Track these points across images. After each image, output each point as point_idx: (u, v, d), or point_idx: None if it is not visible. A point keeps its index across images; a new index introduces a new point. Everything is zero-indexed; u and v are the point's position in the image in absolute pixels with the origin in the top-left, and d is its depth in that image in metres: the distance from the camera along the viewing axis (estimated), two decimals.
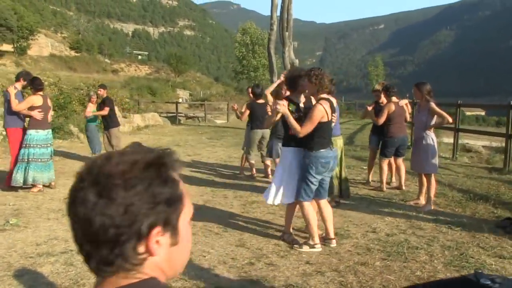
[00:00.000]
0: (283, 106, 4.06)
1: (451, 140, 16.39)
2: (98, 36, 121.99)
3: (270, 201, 4.30)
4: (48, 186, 6.57)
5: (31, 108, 6.28)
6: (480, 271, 1.19)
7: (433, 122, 5.59)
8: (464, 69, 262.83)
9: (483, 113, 63.62)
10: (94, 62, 62.12)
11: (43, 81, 6.48)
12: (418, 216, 5.24)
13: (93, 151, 9.17)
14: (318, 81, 4.11)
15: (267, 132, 7.35)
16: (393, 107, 6.46)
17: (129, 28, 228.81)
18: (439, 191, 6.55)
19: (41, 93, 6.44)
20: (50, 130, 6.60)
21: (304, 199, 4.08)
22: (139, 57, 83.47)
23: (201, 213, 5.39)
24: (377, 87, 7.41)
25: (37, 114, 6.25)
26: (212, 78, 47.51)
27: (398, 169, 6.86)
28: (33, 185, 6.33)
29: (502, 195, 6.33)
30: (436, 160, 5.70)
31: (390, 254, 3.98)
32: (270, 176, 7.33)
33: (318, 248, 4.10)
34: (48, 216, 5.15)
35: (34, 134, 6.32)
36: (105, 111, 8.51)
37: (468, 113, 70.37)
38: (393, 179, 7.22)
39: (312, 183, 4.05)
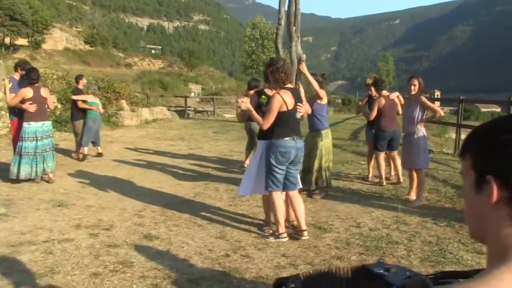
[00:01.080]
0: (244, 103, 4.08)
1: (462, 136, 16.25)
2: (113, 30, 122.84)
3: (241, 192, 4.42)
4: (46, 179, 6.57)
5: (23, 100, 6.35)
6: (381, 260, 1.19)
7: (424, 116, 5.55)
8: (481, 65, 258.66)
9: (498, 110, 62.63)
10: (107, 56, 62.61)
11: (38, 73, 6.51)
12: (406, 211, 5.20)
13: (84, 145, 8.99)
14: (273, 74, 4.17)
15: (254, 125, 7.38)
16: (383, 101, 6.43)
17: (144, 22, 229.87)
18: (432, 186, 6.51)
19: (36, 85, 6.50)
20: (46, 122, 6.54)
21: (272, 188, 4.11)
22: (153, 51, 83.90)
23: (189, 205, 5.45)
24: (369, 81, 7.40)
25: (28, 107, 6.30)
26: (226, 73, 47.60)
27: (393, 162, 6.82)
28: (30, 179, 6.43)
29: None
30: (427, 155, 5.66)
31: (369, 249, 3.97)
32: None
33: (284, 237, 4.17)
34: (39, 206, 5.24)
35: (26, 126, 6.38)
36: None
37: (483, 110, 69.30)
38: (392, 173, 7.18)
39: (275, 172, 4.07)
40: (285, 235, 4.18)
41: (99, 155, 9.20)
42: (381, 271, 1.08)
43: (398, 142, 6.77)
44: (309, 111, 4.98)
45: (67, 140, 11.73)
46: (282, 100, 4.04)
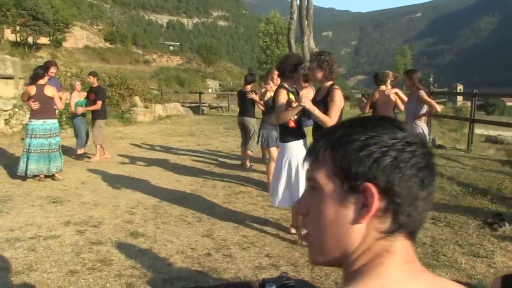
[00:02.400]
0: (309, 100, 3.71)
1: (484, 132, 15.81)
2: (133, 28, 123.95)
3: (280, 204, 4.04)
4: (52, 177, 6.55)
5: (28, 98, 6.40)
6: (284, 274, 1.08)
7: (423, 111, 5.37)
8: (507, 58, 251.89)
9: None
10: (126, 53, 63.23)
11: (39, 72, 6.52)
12: None
13: (78, 146, 8.60)
14: (328, 66, 3.81)
15: (246, 119, 7.29)
16: (376, 95, 6.28)
17: (163, 19, 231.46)
18: (438, 184, 6.29)
19: (41, 81, 6.52)
20: (49, 120, 6.48)
21: None
22: (171, 48, 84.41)
23: (183, 202, 5.38)
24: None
25: (31, 104, 6.36)
26: (245, 68, 47.59)
27: None
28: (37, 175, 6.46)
29: (504, 190, 6.00)
30: None
31: None
32: (248, 165, 7.58)
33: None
34: (34, 203, 5.26)
35: (29, 124, 6.45)
36: (98, 106, 8.18)
37: (509, 104, 67.47)
38: None
39: None
40: None
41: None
42: (273, 287, 0.98)
43: None
44: None
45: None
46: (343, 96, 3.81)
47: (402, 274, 0.64)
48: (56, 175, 6.54)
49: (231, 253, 3.73)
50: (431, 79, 20.57)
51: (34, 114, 6.41)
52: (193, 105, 26.22)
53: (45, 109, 6.44)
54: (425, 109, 5.38)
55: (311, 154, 0.72)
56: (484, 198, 5.52)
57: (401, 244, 0.66)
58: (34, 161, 6.37)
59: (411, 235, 0.67)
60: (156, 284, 3.12)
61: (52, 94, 6.47)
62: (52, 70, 7.47)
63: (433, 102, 5.35)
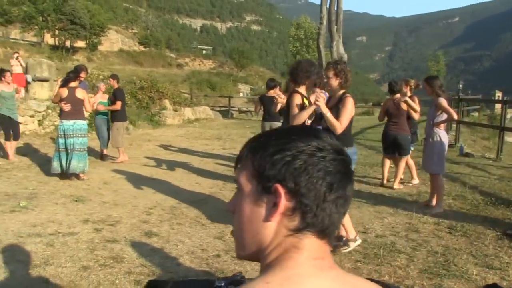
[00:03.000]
0: (320, 98, 3.68)
1: (507, 139, 15.29)
2: (167, 31, 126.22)
3: None
4: (76, 176, 6.75)
5: (60, 100, 6.70)
6: (238, 274, 1.12)
7: (441, 118, 5.30)
8: None
9: None
10: (160, 57, 64.46)
11: (71, 76, 6.80)
12: (421, 218, 4.96)
13: (102, 146, 8.78)
14: (344, 75, 3.91)
15: (275, 124, 7.31)
16: (387, 102, 6.40)
17: (197, 23, 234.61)
18: (459, 192, 6.17)
19: (73, 84, 6.80)
20: (78, 121, 6.74)
21: None
22: (204, 51, 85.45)
23: (201, 205, 5.48)
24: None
25: (63, 106, 6.65)
26: (279, 73, 47.73)
27: (395, 167, 6.71)
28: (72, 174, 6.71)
29: None
30: (442, 160, 5.37)
31: (367, 256, 3.82)
32: None
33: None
34: (58, 201, 5.47)
35: (60, 124, 6.74)
36: (117, 106, 8.32)
37: None
38: (414, 176, 6.90)
39: None
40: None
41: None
42: (222, 284, 1.04)
43: (405, 147, 6.38)
44: None
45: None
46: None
47: (309, 268, 0.69)
48: (81, 175, 6.76)
49: None
50: (461, 85, 20.02)
51: (65, 115, 6.70)
52: (222, 109, 26.48)
53: (76, 110, 6.71)
54: (444, 116, 5.30)
55: (238, 158, 0.79)
56: (506, 209, 5.38)
57: (309, 242, 0.71)
58: (66, 160, 6.65)
59: (323, 234, 0.72)
60: None
61: (82, 96, 6.74)
62: (82, 74, 7.77)
63: (450, 109, 5.26)
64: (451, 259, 3.77)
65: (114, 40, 64.53)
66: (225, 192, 6.21)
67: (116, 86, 8.61)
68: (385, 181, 6.65)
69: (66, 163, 6.63)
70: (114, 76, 8.79)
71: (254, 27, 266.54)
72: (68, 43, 46.91)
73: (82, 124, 6.78)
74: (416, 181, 6.85)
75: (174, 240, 4.14)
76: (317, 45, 18.52)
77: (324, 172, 0.70)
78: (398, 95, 6.41)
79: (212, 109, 23.03)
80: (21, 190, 5.94)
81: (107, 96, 8.86)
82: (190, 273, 3.38)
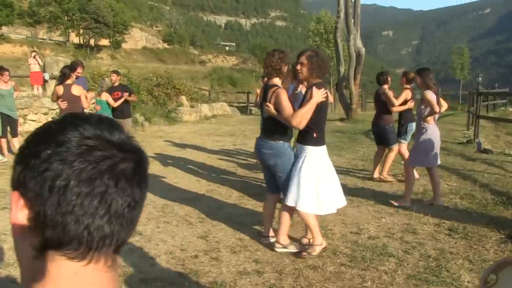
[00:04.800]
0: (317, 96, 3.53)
1: None
2: (191, 29, 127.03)
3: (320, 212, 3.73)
4: None
5: (57, 98, 6.69)
6: None
7: (427, 112, 5.13)
8: None
9: None
10: (183, 54, 64.96)
11: (64, 72, 6.77)
12: (421, 219, 4.70)
13: None
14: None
15: None
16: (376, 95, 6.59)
17: (221, 20, 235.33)
18: (468, 191, 5.86)
19: (69, 81, 6.77)
20: None
21: None
22: (227, 48, 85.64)
23: (193, 202, 5.37)
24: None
25: (60, 104, 6.64)
26: None
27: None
28: None
29: None
30: (428, 155, 5.22)
31: (353, 260, 3.61)
32: None
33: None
34: None
35: None
36: (134, 98, 8.22)
37: None
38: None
39: None
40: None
41: None
42: None
43: (384, 137, 6.60)
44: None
45: None
46: None
47: None
48: None
49: (219, 256, 3.64)
50: (480, 79, 19.27)
51: (62, 113, 6.68)
52: (241, 105, 26.39)
53: (72, 107, 6.66)
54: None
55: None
56: None
57: (59, 267, 0.56)
58: None
59: (85, 256, 0.57)
60: (132, 284, 3.10)
61: (78, 93, 6.70)
62: (79, 70, 7.74)
63: (432, 101, 5.03)
64: (443, 264, 3.53)
65: (138, 38, 65.38)
66: (222, 189, 6.07)
67: (118, 82, 8.30)
68: (374, 175, 6.66)
69: None
70: (116, 72, 8.52)
71: (279, 22, 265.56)
72: (92, 42, 47.71)
73: None
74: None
75: (156, 239, 4.02)
76: (335, 39, 18.17)
77: (78, 179, 0.55)
78: (385, 86, 6.50)
79: (230, 105, 22.95)
80: None
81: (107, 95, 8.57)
82: (162, 274, 3.26)
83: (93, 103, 9.05)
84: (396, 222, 4.65)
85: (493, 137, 13.19)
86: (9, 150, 8.38)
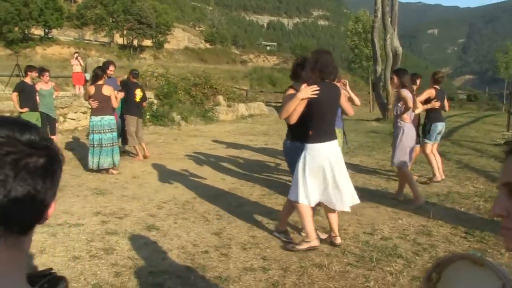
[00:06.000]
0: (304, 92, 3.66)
1: None
2: (234, 28, 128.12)
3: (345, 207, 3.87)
4: (106, 170, 7.01)
5: (89, 97, 7.03)
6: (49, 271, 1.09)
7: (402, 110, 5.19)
8: None
9: None
10: (224, 54, 65.59)
11: (96, 74, 7.07)
12: (438, 221, 4.62)
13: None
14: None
15: None
16: None
17: (264, 20, 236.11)
18: (494, 195, 5.67)
19: (100, 82, 7.10)
20: (106, 117, 7.01)
21: None
22: (268, 48, 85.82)
23: (214, 200, 5.50)
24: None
25: (91, 103, 6.98)
26: (347, 69, 46.92)
27: None
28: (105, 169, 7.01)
29: None
30: (406, 154, 5.26)
31: (360, 260, 3.62)
32: None
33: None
34: (80, 193, 5.74)
35: (90, 120, 7.09)
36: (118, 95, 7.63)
37: None
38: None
39: None
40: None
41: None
42: None
43: None
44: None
45: (155, 134, 12.54)
46: None
47: None
48: (111, 169, 7.03)
49: (229, 252, 3.75)
50: None
51: (94, 112, 7.02)
52: (279, 104, 26.45)
53: (103, 107, 6.99)
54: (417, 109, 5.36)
55: None
56: None
57: None
58: (98, 155, 6.96)
59: None
60: (141, 275, 3.26)
61: (109, 93, 7.01)
62: (111, 68, 8.08)
63: (407, 98, 5.01)
64: None
65: (180, 38, 66.68)
66: (244, 188, 6.19)
67: (133, 81, 8.43)
68: None
69: (98, 158, 6.94)
70: (132, 73, 8.58)
71: (321, 22, 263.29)
72: (135, 42, 49.13)
73: (109, 119, 7.04)
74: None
75: (171, 234, 4.18)
76: (371, 38, 17.92)
77: None
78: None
79: (268, 105, 23.02)
80: None
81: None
82: (171, 268, 3.40)
83: None
84: (412, 223, 4.60)
85: None
86: None
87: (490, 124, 14.88)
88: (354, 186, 6.18)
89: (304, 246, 3.77)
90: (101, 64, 12.76)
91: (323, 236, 4.11)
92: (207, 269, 3.39)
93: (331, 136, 3.77)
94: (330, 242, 3.99)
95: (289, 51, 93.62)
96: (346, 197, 3.78)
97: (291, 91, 3.92)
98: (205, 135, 12.92)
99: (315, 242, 3.78)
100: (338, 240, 3.97)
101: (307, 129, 3.72)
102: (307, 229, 3.80)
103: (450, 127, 14.54)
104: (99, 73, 7.06)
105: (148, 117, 14.50)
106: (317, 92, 3.58)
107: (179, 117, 15.88)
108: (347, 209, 3.85)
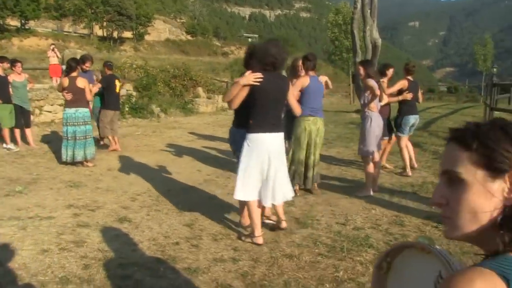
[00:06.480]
0: (246, 78, 3.63)
1: None
2: (215, 20, 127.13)
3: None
4: (81, 163, 6.93)
5: (63, 89, 6.89)
6: None
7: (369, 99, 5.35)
8: None
9: None
10: (205, 46, 65.08)
11: (70, 65, 6.94)
12: (412, 211, 4.69)
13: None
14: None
15: None
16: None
17: (246, 11, 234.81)
18: None
19: (74, 74, 6.96)
20: (80, 109, 6.88)
21: None
22: (249, 39, 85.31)
23: (189, 192, 5.50)
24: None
25: (65, 95, 6.85)
26: (328, 61, 46.83)
27: None
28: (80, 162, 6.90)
29: None
30: (373, 144, 5.28)
31: (332, 250, 3.65)
32: None
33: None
34: (54, 186, 5.64)
35: (63, 113, 6.97)
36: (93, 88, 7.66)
37: None
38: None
39: None
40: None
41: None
42: None
43: None
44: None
45: (134, 126, 12.40)
46: None
47: None
48: (85, 162, 6.93)
49: (199, 243, 3.74)
50: (495, 69, 18.82)
51: (68, 104, 6.89)
52: None
53: (77, 99, 6.86)
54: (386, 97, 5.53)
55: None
56: None
57: None
58: (72, 148, 6.85)
59: None
60: (110, 267, 3.23)
61: (83, 85, 6.89)
62: (87, 64, 7.95)
63: (373, 86, 5.07)
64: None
65: (161, 30, 65.84)
66: (220, 179, 6.19)
67: (108, 73, 8.36)
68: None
69: (72, 151, 6.82)
70: (106, 64, 8.50)
71: (303, 14, 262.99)
72: (115, 34, 48.37)
73: (84, 112, 6.93)
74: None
75: (143, 226, 4.15)
76: (351, 30, 17.94)
77: None
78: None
79: None
80: (26, 175, 6.18)
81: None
82: (140, 260, 3.37)
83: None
84: (386, 214, 4.65)
85: None
86: (24, 140, 8.62)
87: (468, 116, 15.12)
88: (330, 177, 6.33)
89: (248, 239, 3.82)
90: (78, 56, 12.59)
91: (274, 218, 4.19)
92: (177, 261, 3.37)
93: (274, 128, 3.69)
94: (277, 226, 4.06)
95: None
96: (278, 194, 3.76)
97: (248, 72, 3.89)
98: (184, 127, 12.84)
99: (258, 240, 3.73)
100: (284, 225, 4.03)
101: (249, 117, 3.70)
102: (251, 225, 3.81)
103: (428, 118, 14.76)
104: (72, 64, 6.92)
105: (127, 109, 14.32)
106: (260, 80, 3.56)
107: (159, 109, 15.75)
108: (277, 203, 3.86)
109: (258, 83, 3.57)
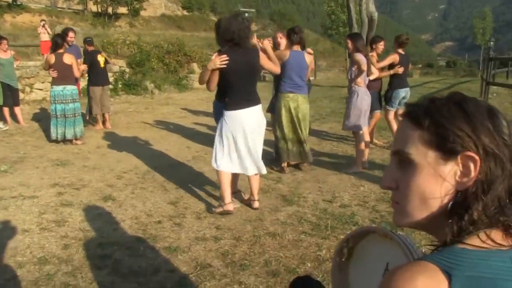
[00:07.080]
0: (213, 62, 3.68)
1: None
2: None
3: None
4: (70, 141, 6.84)
5: (49, 67, 6.74)
6: None
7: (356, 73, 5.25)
8: None
9: None
10: (202, 21, 64.03)
11: (56, 41, 6.77)
12: None
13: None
14: None
15: None
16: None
17: None
18: None
19: (61, 50, 6.80)
20: (68, 86, 6.74)
21: None
22: (246, 14, 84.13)
23: (176, 168, 5.47)
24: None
25: (51, 72, 6.70)
26: (325, 35, 46.16)
27: None
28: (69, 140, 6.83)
29: None
30: (360, 119, 5.21)
31: (315, 228, 3.61)
32: None
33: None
34: (40, 165, 5.58)
35: (51, 90, 6.83)
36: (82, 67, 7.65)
37: None
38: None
39: None
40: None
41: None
42: None
43: None
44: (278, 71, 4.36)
45: (127, 103, 12.29)
46: None
47: None
48: (74, 140, 6.85)
49: (182, 222, 3.70)
50: (492, 43, 18.49)
51: (55, 81, 6.75)
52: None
53: (64, 76, 6.72)
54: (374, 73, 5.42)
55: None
56: None
57: None
58: (63, 126, 6.75)
59: None
60: (90, 247, 3.19)
61: (70, 62, 6.74)
62: (71, 35, 7.78)
63: (362, 61, 4.94)
64: (408, 233, 3.49)
65: (157, 5, 64.70)
66: (208, 156, 6.04)
67: (90, 49, 8.20)
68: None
69: (62, 129, 6.73)
70: (86, 41, 8.37)
71: None
72: (110, 10, 47.58)
73: (72, 89, 6.80)
74: None
75: (127, 204, 4.11)
76: (347, 3, 17.66)
77: None
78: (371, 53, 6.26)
79: None
80: (13, 154, 6.10)
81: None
82: (121, 239, 3.34)
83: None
84: (374, 190, 4.60)
85: (507, 104, 12.78)
86: (14, 119, 8.51)
87: (464, 90, 14.73)
88: (321, 152, 6.27)
89: (219, 209, 3.86)
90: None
91: (246, 196, 4.20)
92: (158, 240, 3.33)
93: (249, 103, 3.75)
94: (248, 204, 4.06)
95: (268, 17, 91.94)
96: (250, 165, 3.85)
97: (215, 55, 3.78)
98: (177, 103, 12.73)
99: (228, 207, 3.83)
100: (256, 205, 4.02)
101: (224, 95, 3.78)
102: (222, 194, 3.89)
103: (424, 93, 14.61)
104: (58, 41, 6.76)
105: (120, 86, 14.16)
106: (226, 62, 3.55)
107: (152, 85, 15.58)
108: (250, 174, 3.90)
109: (225, 65, 3.56)
